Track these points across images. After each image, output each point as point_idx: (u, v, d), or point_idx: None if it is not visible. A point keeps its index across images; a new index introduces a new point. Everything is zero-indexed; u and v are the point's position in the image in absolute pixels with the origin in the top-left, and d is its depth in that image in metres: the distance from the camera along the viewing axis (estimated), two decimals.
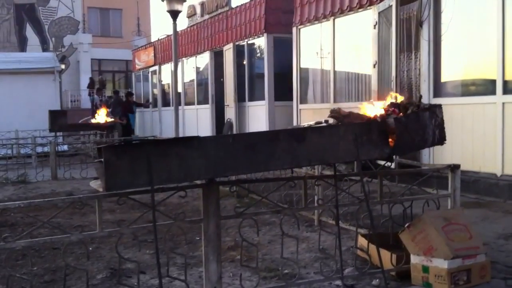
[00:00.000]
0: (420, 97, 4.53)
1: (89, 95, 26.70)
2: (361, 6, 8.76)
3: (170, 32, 13.44)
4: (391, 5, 7.65)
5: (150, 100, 19.62)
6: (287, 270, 3.63)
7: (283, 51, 11.64)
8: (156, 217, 2.73)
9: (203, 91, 15.67)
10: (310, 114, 10.26)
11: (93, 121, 14.33)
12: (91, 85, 28.10)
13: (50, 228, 4.53)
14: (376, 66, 8.37)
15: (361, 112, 3.50)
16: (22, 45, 29.85)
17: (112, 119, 14.15)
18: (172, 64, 13.12)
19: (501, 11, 6.37)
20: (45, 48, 29.55)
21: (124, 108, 16.93)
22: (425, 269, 3.25)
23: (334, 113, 3.51)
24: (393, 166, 6.08)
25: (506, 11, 6.34)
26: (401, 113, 3.36)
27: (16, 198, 7.34)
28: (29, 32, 30.24)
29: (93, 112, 17.93)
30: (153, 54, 18.92)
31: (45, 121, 13.73)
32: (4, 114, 14.91)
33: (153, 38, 25.03)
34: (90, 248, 4.40)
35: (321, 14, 9.85)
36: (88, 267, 3.71)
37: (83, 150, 11.93)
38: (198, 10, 15.93)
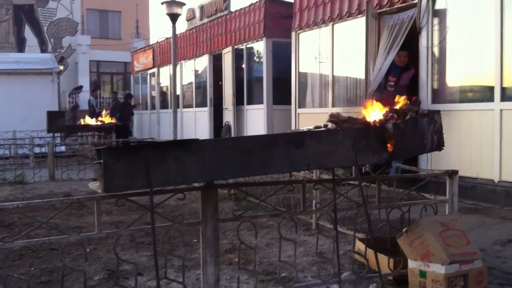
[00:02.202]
0: (419, 103, 4.56)
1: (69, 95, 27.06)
2: (360, 12, 8.79)
3: (169, 35, 13.48)
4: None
5: (148, 102, 19.66)
6: (284, 274, 3.64)
7: (282, 55, 11.67)
8: (154, 219, 2.73)
9: (201, 94, 15.68)
10: (308, 118, 10.28)
11: (87, 122, 14.31)
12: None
13: (47, 229, 4.53)
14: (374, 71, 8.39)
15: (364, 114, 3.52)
16: (20, 45, 29.79)
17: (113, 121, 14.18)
18: (171, 66, 13.16)
19: (499, 19, 6.41)
20: (43, 49, 29.51)
21: (128, 110, 17.01)
22: (422, 274, 3.25)
23: (333, 118, 3.52)
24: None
25: (504, 19, 6.38)
26: (399, 119, 3.37)
27: (13, 198, 7.33)
28: (28, 33, 30.19)
29: (90, 113, 17.93)
30: (151, 57, 18.93)
31: (43, 122, 13.72)
32: (1, 115, 14.88)
33: (152, 41, 25.01)
34: (88, 249, 4.40)
35: (320, 19, 9.88)
36: (86, 268, 3.70)
37: (80, 151, 11.91)
38: (198, 14, 15.93)
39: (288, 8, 11.33)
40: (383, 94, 7.51)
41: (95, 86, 27.30)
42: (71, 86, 29.03)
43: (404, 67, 7.90)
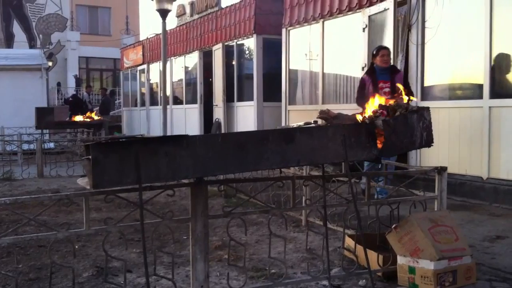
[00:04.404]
0: (409, 99, 4.55)
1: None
2: (350, 9, 8.81)
3: (159, 31, 13.39)
4: (388, 8, 7.74)
5: (137, 99, 19.64)
6: (274, 270, 3.63)
7: (272, 52, 11.65)
8: (144, 216, 2.71)
9: (191, 90, 15.63)
10: (298, 115, 10.28)
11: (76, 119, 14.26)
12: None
13: (35, 225, 4.50)
14: (365, 68, 8.41)
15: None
16: (8, 41, 29.52)
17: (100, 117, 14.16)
18: (161, 63, 13.10)
19: (489, 16, 6.44)
20: (32, 45, 29.27)
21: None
22: (412, 270, 3.27)
23: (323, 114, 3.52)
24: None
25: (493, 16, 6.41)
26: (389, 115, 3.38)
27: (1, 195, 7.26)
28: (16, 28, 29.91)
29: (83, 109, 17.90)
30: (141, 53, 18.83)
31: (32, 118, 13.62)
32: None
33: (142, 37, 24.90)
34: (76, 246, 4.37)
35: (310, 16, 9.88)
36: (74, 265, 3.68)
37: (69, 148, 11.84)
38: (188, 10, 15.88)
39: (278, 5, 11.31)
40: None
41: (77, 82, 27.24)
42: (60, 82, 28.85)
43: (391, 69, 6.70)
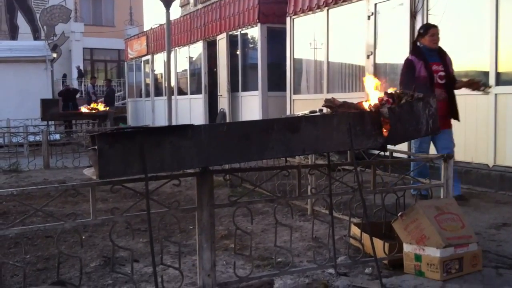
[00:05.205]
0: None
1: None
2: None
3: (163, 21, 13.37)
4: None
5: (142, 89, 19.67)
6: (280, 259, 3.65)
7: (276, 41, 11.59)
8: (150, 206, 2.72)
9: (196, 81, 15.61)
10: (303, 104, 10.25)
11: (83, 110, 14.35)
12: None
13: (42, 216, 4.53)
14: (371, 57, 8.37)
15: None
16: (13, 33, 29.53)
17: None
18: (165, 53, 13.07)
19: (494, 3, 6.38)
20: (36, 37, 29.27)
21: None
22: (418, 257, 3.27)
23: (328, 103, 3.51)
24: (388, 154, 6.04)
25: (499, 3, 6.35)
26: (394, 103, 3.37)
27: (7, 186, 7.30)
28: (20, 20, 29.92)
29: (88, 101, 17.97)
30: (145, 44, 18.80)
31: (37, 110, 13.66)
32: None
33: (146, 27, 24.82)
34: (83, 237, 4.39)
35: (315, 4, 9.82)
36: (81, 255, 3.70)
37: (75, 139, 11.88)
38: (191, 0, 15.82)
39: None
40: (430, 90, 5.46)
41: (80, 73, 27.25)
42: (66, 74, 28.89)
43: (439, 50, 6.02)
